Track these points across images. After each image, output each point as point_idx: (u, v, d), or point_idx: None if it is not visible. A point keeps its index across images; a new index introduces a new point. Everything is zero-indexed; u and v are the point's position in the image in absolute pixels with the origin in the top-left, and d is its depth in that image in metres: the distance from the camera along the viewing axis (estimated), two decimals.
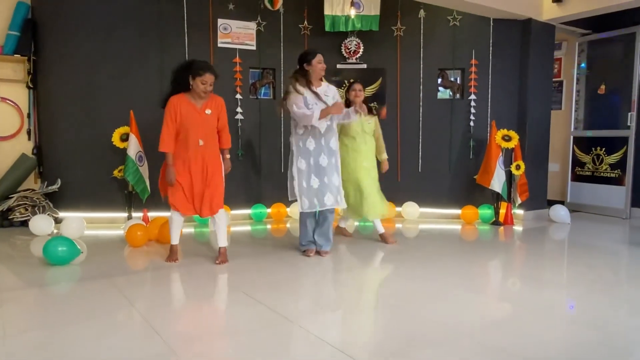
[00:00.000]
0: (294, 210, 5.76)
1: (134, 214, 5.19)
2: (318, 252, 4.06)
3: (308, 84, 3.87)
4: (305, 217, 4.05)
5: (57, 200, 5.25)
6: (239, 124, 5.68)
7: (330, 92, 3.96)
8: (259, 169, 5.85)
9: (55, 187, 5.21)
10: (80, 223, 4.61)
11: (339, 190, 3.98)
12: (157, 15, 5.33)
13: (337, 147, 4.02)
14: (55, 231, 4.80)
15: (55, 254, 3.64)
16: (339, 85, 5.90)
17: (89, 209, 5.28)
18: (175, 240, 3.89)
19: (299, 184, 3.92)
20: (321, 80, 3.99)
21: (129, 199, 5.17)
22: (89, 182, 5.30)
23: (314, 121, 3.75)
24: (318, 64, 3.86)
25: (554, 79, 6.74)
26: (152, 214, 5.18)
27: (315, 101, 3.84)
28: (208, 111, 3.73)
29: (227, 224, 4.15)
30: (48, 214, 5.03)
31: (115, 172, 5.19)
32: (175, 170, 3.71)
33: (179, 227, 3.88)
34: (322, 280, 3.51)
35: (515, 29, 5.80)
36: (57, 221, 5.03)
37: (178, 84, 3.69)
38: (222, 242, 3.86)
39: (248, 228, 5.40)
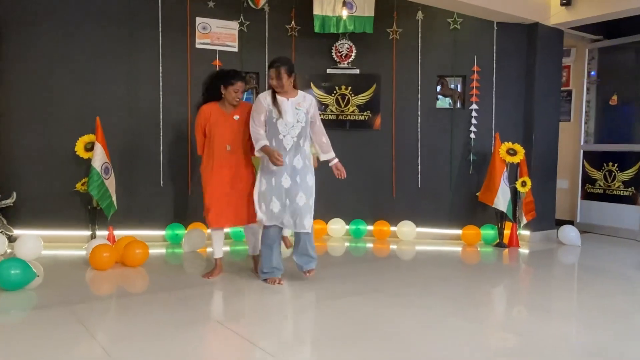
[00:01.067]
0: None
1: (98, 233, 5.12)
2: (307, 272, 3.96)
3: (273, 97, 3.86)
4: (267, 237, 3.94)
5: (11, 216, 5.16)
6: None
7: (304, 104, 3.90)
8: None
9: (9, 202, 5.12)
10: (37, 242, 4.52)
11: (303, 212, 3.84)
12: (127, 13, 5.31)
13: (305, 165, 3.90)
14: (8, 251, 4.70)
15: (7, 277, 3.55)
16: (329, 91, 5.92)
17: (48, 226, 5.19)
18: (217, 254, 4.16)
19: (258, 205, 3.90)
20: (296, 89, 3.95)
21: (93, 215, 5.10)
22: (48, 196, 5.22)
23: (256, 150, 3.88)
24: (270, 80, 3.85)
25: (562, 88, 6.82)
26: (118, 233, 5.10)
27: (277, 116, 3.81)
28: (236, 117, 4.04)
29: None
30: (0, 232, 4.93)
31: (78, 186, 5.12)
32: (205, 179, 4.03)
33: (220, 240, 4.16)
34: (304, 309, 3.47)
35: (520, 33, 5.88)
36: (11, 240, 4.93)
37: (210, 94, 4.09)
38: (256, 250, 4.21)
39: (227, 248, 5.33)
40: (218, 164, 3.99)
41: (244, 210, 4.05)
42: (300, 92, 3.98)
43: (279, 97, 3.87)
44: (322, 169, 4.32)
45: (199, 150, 4.13)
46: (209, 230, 4.32)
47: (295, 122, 3.86)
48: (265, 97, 3.90)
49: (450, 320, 3.23)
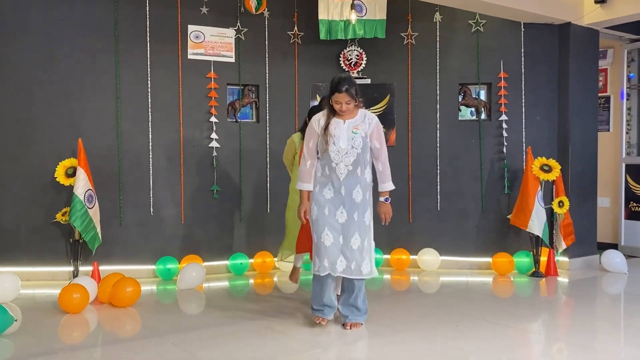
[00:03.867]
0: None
1: (82, 269, 5.11)
2: (350, 325, 3.84)
3: (327, 119, 3.80)
4: (321, 276, 3.86)
5: None
6: (214, 153, 5.67)
7: (363, 126, 3.79)
8: (239, 209, 5.82)
9: None
10: (14, 281, 4.47)
11: (359, 256, 3.75)
12: (111, 23, 5.37)
13: (365, 199, 3.81)
14: None
15: None
16: None
17: (25, 262, 5.19)
18: (298, 264, 4.69)
19: (312, 236, 3.87)
20: (357, 108, 3.85)
21: (76, 249, 5.10)
22: (25, 228, 5.22)
23: (298, 182, 3.93)
24: (335, 104, 3.76)
25: (599, 94, 6.82)
26: (104, 268, 5.09)
27: (333, 140, 3.75)
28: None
29: None
30: None
31: (59, 216, 5.13)
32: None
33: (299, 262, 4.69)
34: (317, 357, 3.44)
35: (551, 35, 5.90)
36: None
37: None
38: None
39: (225, 284, 5.33)
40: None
41: None
42: (360, 111, 3.87)
43: (334, 120, 3.79)
44: None
45: None
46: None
47: (349, 148, 3.75)
48: (318, 121, 3.83)
49: None
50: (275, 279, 5.53)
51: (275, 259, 5.45)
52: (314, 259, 3.86)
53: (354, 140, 3.77)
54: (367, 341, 3.66)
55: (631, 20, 5.82)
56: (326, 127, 3.77)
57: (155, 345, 3.54)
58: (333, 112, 3.82)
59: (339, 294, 4.10)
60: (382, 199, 3.92)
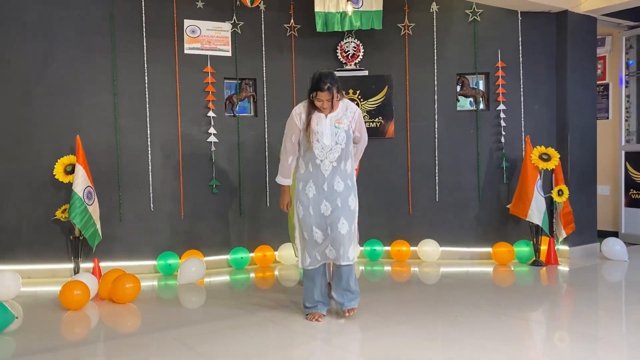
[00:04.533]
0: (283, 254, 5.71)
1: (83, 265, 5.12)
2: (348, 311, 3.87)
3: (308, 114, 3.77)
4: (306, 271, 3.91)
5: None
6: (213, 148, 5.67)
7: (344, 120, 3.79)
8: (238, 204, 5.81)
9: None
10: (14, 279, 4.51)
11: (347, 241, 3.76)
12: (107, 19, 5.35)
13: (347, 186, 3.82)
14: None
15: None
16: None
17: (26, 260, 5.19)
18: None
19: (299, 234, 3.87)
20: (339, 100, 3.83)
21: (76, 246, 5.09)
22: (25, 226, 5.23)
23: (278, 177, 3.98)
24: (317, 101, 3.74)
25: (598, 82, 6.80)
26: (104, 265, 5.10)
27: (316, 137, 3.74)
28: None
29: None
30: None
31: (58, 213, 5.13)
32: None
33: None
34: (319, 348, 3.44)
35: (548, 23, 5.88)
36: None
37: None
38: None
39: (226, 278, 5.34)
40: None
41: None
42: (342, 102, 3.86)
43: (315, 114, 3.77)
44: None
45: None
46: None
47: (333, 144, 3.75)
48: (299, 115, 3.81)
49: (484, 353, 3.20)
50: (276, 272, 5.53)
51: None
52: (303, 255, 3.86)
53: (337, 136, 3.76)
54: (367, 332, 3.66)
55: (628, 7, 5.80)
56: (308, 124, 3.75)
57: (156, 340, 3.54)
58: (314, 107, 3.79)
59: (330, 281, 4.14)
60: None
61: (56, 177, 5.08)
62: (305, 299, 3.93)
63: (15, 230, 5.22)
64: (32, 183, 5.23)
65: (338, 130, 3.76)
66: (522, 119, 5.90)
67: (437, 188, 5.98)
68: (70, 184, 4.99)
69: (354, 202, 3.86)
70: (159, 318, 4.05)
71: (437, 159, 5.96)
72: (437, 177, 5.97)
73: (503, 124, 5.87)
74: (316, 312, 3.87)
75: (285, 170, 3.92)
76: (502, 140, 5.88)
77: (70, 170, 5.07)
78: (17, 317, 3.70)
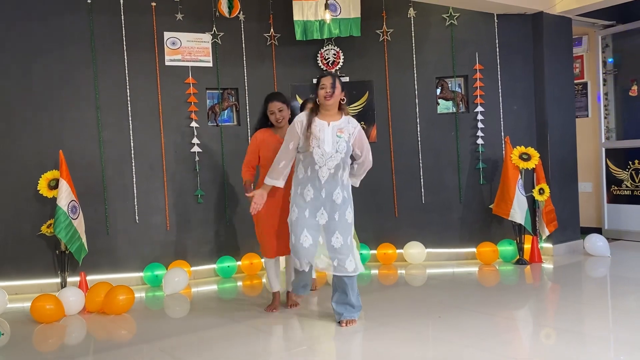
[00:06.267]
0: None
1: (69, 279, 5.08)
2: (345, 322, 3.84)
3: (309, 121, 3.80)
4: (298, 277, 4.03)
5: None
6: (196, 158, 5.66)
7: (345, 131, 3.81)
8: (224, 212, 5.80)
9: None
10: (1, 295, 4.49)
11: (342, 254, 3.76)
12: (88, 32, 5.34)
13: (344, 198, 3.85)
14: None
15: None
16: None
17: (12, 276, 5.16)
18: (275, 287, 4.33)
19: (290, 237, 3.86)
20: (341, 111, 3.89)
21: (62, 260, 5.06)
22: (11, 242, 5.19)
23: (267, 178, 3.98)
24: (320, 89, 3.79)
25: (576, 81, 6.87)
26: (92, 278, 5.08)
27: (317, 143, 3.75)
28: None
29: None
30: None
31: (44, 228, 5.10)
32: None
33: (275, 272, 4.31)
34: (305, 353, 3.44)
35: (524, 25, 5.93)
36: None
37: (259, 121, 4.39)
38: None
39: (214, 287, 5.32)
40: (270, 191, 4.02)
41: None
42: (344, 115, 3.91)
43: (318, 121, 3.80)
44: None
45: (243, 173, 4.34)
46: (262, 260, 4.60)
47: (334, 152, 3.76)
48: (301, 123, 3.84)
49: (470, 352, 3.21)
50: (263, 280, 5.51)
51: None
52: (292, 258, 3.89)
53: (338, 144, 3.78)
54: (353, 336, 3.67)
55: (601, 7, 5.87)
56: (309, 126, 3.78)
57: (143, 352, 3.53)
58: (315, 112, 3.84)
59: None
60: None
61: (40, 192, 5.05)
62: (295, 282, 4.06)
63: (1, 246, 5.18)
64: (17, 198, 5.19)
65: (339, 140, 3.79)
66: (502, 120, 5.94)
67: (421, 190, 6.00)
68: (54, 199, 4.96)
69: (350, 215, 3.89)
70: (147, 329, 4.03)
71: (421, 162, 5.98)
72: (422, 180, 5.99)
73: (481, 125, 5.90)
74: (304, 293, 4.09)
75: (275, 172, 3.93)
76: (482, 141, 5.91)
77: (54, 185, 5.04)
78: (2, 334, 3.67)
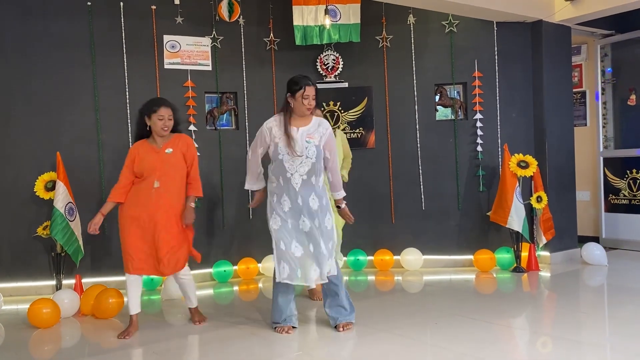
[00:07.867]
0: (266, 266, 5.67)
1: (65, 282, 5.05)
2: (335, 327, 3.82)
3: (285, 124, 3.74)
4: (281, 285, 3.78)
5: None
6: None
7: (316, 135, 3.75)
8: (221, 217, 5.78)
9: None
10: None
11: (327, 260, 3.70)
12: (88, 35, 5.33)
13: (322, 205, 3.77)
14: None
15: None
16: None
17: (8, 277, 5.13)
18: (133, 309, 3.93)
19: (276, 245, 3.75)
20: (311, 115, 3.84)
21: (58, 263, 5.04)
22: (6, 244, 5.17)
23: (246, 183, 4.02)
24: (303, 99, 3.72)
25: (574, 90, 6.87)
26: (88, 280, 5.06)
27: (287, 150, 3.71)
28: (169, 150, 3.95)
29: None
30: None
31: (40, 230, 5.07)
32: (123, 222, 3.94)
33: (136, 291, 3.93)
34: (302, 357, 3.42)
35: (523, 33, 5.94)
36: None
37: (136, 133, 4.10)
38: (194, 302, 4.16)
39: (210, 292, 5.29)
40: (146, 203, 3.84)
41: (177, 256, 3.96)
42: (315, 118, 3.85)
43: (290, 129, 3.74)
44: None
45: (110, 195, 3.99)
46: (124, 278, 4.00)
47: (303, 158, 3.71)
48: (270, 130, 3.78)
49: None
50: (259, 284, 5.49)
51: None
52: (280, 267, 3.72)
53: (307, 150, 3.72)
54: (349, 342, 3.65)
55: (601, 16, 5.87)
56: (286, 132, 3.72)
57: (137, 356, 3.50)
58: (288, 117, 3.78)
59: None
60: (340, 205, 3.99)
61: (37, 193, 5.03)
62: (275, 315, 3.85)
63: None
64: (14, 200, 5.17)
65: (309, 145, 3.73)
66: (500, 128, 5.93)
67: (420, 197, 5.98)
68: (51, 201, 4.95)
69: (330, 222, 3.83)
70: (141, 333, 3.99)
71: (420, 168, 5.97)
72: (421, 187, 5.97)
73: (480, 132, 5.89)
74: (286, 325, 3.81)
75: (252, 177, 3.98)
76: (481, 148, 5.90)
77: (51, 186, 5.02)
78: None
